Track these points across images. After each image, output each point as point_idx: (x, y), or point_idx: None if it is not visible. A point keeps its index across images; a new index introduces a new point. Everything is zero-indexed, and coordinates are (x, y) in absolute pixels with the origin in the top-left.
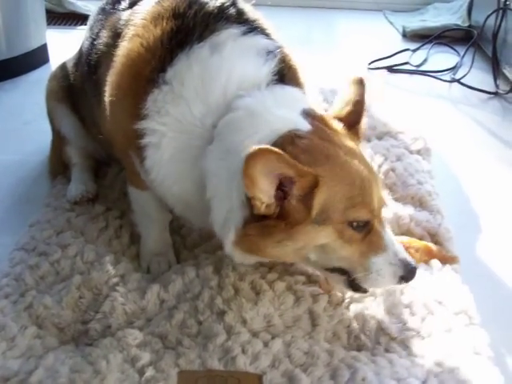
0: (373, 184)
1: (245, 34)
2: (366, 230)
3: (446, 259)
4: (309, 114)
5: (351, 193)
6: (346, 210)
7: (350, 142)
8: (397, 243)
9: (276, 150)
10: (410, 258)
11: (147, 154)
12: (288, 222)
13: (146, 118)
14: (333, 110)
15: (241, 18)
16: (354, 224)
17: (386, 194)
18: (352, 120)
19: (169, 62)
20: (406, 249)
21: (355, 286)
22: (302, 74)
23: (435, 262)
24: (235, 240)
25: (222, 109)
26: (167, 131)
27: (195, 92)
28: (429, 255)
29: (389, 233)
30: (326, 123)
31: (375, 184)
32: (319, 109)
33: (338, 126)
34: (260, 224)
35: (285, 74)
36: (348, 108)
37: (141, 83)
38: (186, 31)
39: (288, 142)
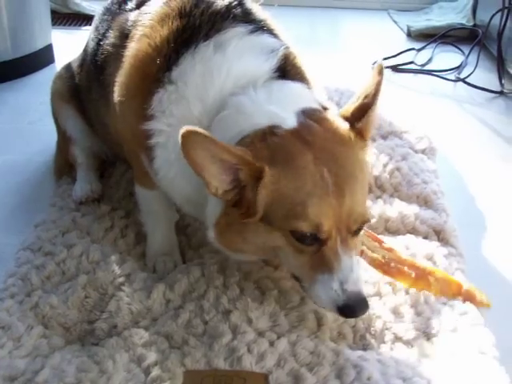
0: (330, 195)
1: (251, 32)
2: (316, 244)
3: (476, 303)
4: (306, 114)
5: (296, 198)
6: (288, 216)
7: (337, 148)
8: (355, 273)
9: (203, 132)
10: (360, 295)
11: (156, 154)
12: (242, 213)
13: (153, 119)
14: (345, 106)
15: (248, 18)
16: (297, 235)
17: (363, 211)
18: (358, 116)
19: (174, 61)
20: (424, 275)
21: None
22: (309, 73)
23: (440, 261)
24: (214, 234)
25: (216, 108)
26: (172, 132)
27: (195, 91)
28: (455, 291)
29: (351, 258)
30: (323, 124)
31: (336, 197)
32: (328, 106)
33: (338, 128)
34: (225, 213)
35: (288, 71)
36: (356, 104)
37: (148, 83)
38: (191, 30)
39: (259, 137)
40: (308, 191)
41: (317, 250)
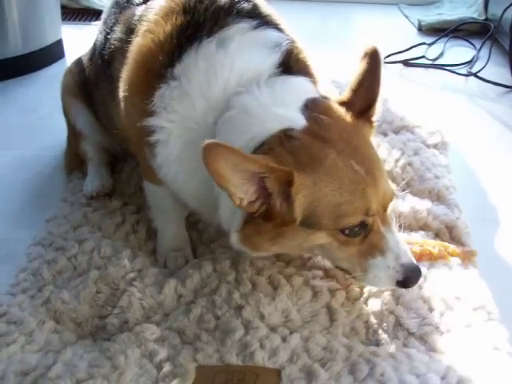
0: (368, 184)
1: (255, 28)
2: (364, 232)
3: (465, 255)
4: (310, 107)
5: (339, 199)
6: (336, 217)
7: (352, 136)
8: (402, 245)
9: (225, 143)
10: (413, 264)
11: (157, 151)
12: (275, 224)
13: (154, 115)
14: (342, 94)
15: (253, 13)
16: (347, 231)
17: (391, 188)
18: (362, 103)
19: (177, 57)
20: (423, 247)
21: None
22: (314, 67)
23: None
24: (238, 239)
25: (221, 106)
26: (174, 128)
27: (199, 88)
28: (451, 253)
29: (393, 233)
30: (329, 114)
31: (372, 183)
32: (329, 96)
33: (344, 116)
34: (254, 222)
35: (291, 66)
36: (354, 91)
37: (151, 79)
38: (195, 26)
39: (276, 142)
40: (349, 188)
41: (364, 237)
